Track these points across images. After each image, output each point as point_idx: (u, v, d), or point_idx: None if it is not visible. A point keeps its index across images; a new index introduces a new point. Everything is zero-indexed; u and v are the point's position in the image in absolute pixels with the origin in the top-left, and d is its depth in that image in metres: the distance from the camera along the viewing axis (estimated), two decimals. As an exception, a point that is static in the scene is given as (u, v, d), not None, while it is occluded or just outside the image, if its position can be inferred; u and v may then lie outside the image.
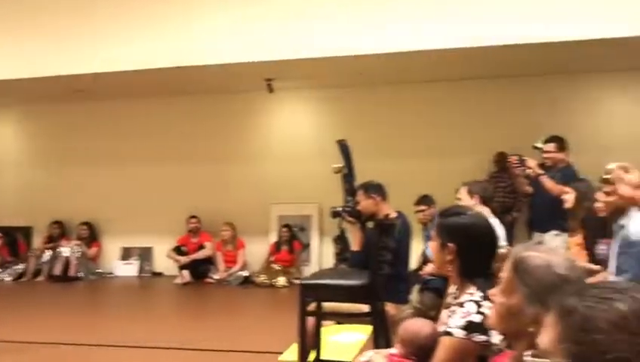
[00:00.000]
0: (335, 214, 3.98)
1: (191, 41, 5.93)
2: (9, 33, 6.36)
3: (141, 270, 8.32)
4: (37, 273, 8.15)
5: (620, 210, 3.56)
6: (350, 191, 3.96)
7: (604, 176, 2.13)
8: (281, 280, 7.24)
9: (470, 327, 1.85)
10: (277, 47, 5.63)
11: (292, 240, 7.61)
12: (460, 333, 1.85)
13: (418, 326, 2.06)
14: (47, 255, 8.14)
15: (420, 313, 4.11)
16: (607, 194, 2.75)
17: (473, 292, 1.96)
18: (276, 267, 7.45)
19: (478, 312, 1.86)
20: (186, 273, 7.69)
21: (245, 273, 7.62)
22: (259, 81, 6.92)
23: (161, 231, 8.11)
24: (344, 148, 3.89)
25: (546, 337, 0.87)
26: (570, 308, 0.85)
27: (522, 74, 6.82)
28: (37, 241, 8.54)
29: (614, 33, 4.98)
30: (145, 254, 8.40)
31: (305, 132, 7.90)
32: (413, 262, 4.29)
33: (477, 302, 1.90)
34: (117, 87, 7.46)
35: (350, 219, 3.92)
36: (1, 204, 8.51)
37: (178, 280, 7.66)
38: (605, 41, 5.10)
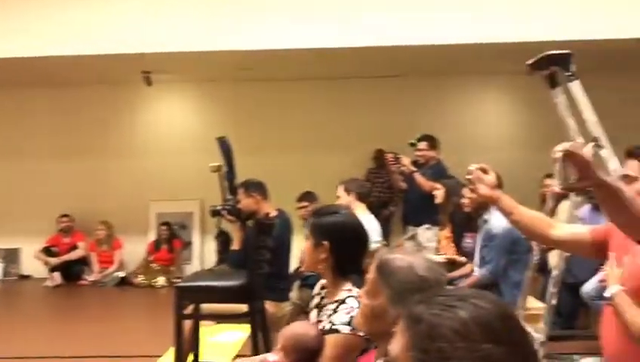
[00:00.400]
0: (214, 213, 3.93)
1: (64, 30, 5.56)
2: None
3: (6, 273, 7.70)
4: None
5: (483, 206, 3.82)
6: (230, 189, 3.92)
7: (466, 177, 2.25)
8: (161, 280, 7.04)
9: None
10: (153, 39, 5.43)
11: (172, 238, 7.39)
12: (346, 329, 1.89)
13: (304, 329, 2.03)
14: None
15: (300, 309, 4.16)
16: (472, 191, 2.91)
17: (351, 289, 2.01)
18: (155, 267, 7.22)
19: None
20: (56, 275, 7.22)
21: (122, 274, 7.31)
22: (136, 74, 6.64)
23: (29, 231, 7.54)
24: (224, 146, 3.83)
25: (395, 344, 0.90)
26: (417, 316, 0.88)
27: (401, 74, 7.09)
28: None
29: (483, 38, 5.31)
30: (11, 256, 7.78)
31: (185, 126, 7.69)
32: (295, 259, 4.32)
33: (357, 298, 1.94)
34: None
35: (230, 217, 3.88)
36: None
37: (48, 283, 7.18)
38: (475, 46, 5.42)
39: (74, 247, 7.45)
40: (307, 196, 5.55)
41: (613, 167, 2.59)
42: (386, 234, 6.51)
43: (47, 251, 7.40)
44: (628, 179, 2.11)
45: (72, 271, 7.33)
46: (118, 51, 5.56)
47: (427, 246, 5.45)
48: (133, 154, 7.67)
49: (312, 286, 4.06)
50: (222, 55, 5.63)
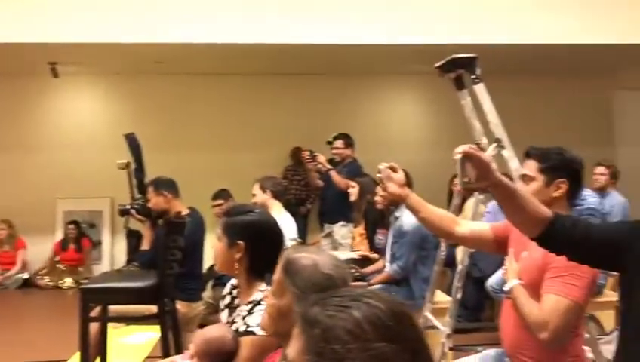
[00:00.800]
0: (123, 212, 3.80)
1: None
2: None
3: None
4: None
5: (394, 204, 3.92)
6: (140, 187, 3.80)
7: (377, 175, 2.29)
8: (68, 282, 6.73)
9: None
10: (59, 29, 5.16)
11: (80, 237, 7.08)
12: (262, 331, 1.86)
13: (218, 333, 1.97)
14: None
15: (214, 309, 4.11)
16: (384, 189, 2.97)
17: (266, 289, 1.98)
18: (62, 267, 6.89)
19: None
20: (-49, 278, 6.75)
21: (25, 275, 6.92)
22: (42, 65, 6.29)
23: None
24: (132, 142, 3.72)
25: (291, 348, 0.89)
26: (312, 319, 0.87)
27: (319, 73, 7.13)
28: None
29: (395, 40, 5.43)
30: None
31: (94, 121, 7.37)
32: (209, 259, 4.26)
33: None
34: None
35: (139, 217, 3.77)
36: None
37: (-59, 287, 6.70)
38: (389, 47, 5.54)
39: (-29, 248, 6.99)
40: (222, 194, 5.49)
41: (514, 166, 2.72)
42: (303, 231, 6.56)
43: (-60, 253, 6.90)
44: (526, 178, 2.22)
45: (-31, 274, 6.88)
46: (22, 40, 5.26)
47: (342, 243, 5.53)
48: (38, 149, 7.26)
49: (225, 285, 4.05)
50: (131, 48, 5.45)
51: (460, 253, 3.24)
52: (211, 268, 4.42)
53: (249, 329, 1.89)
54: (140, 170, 3.74)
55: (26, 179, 7.15)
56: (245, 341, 1.89)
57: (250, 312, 1.95)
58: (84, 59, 6.36)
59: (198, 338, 1.99)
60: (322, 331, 0.85)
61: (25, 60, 6.30)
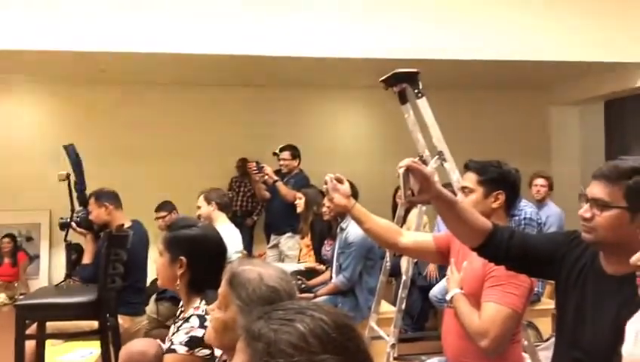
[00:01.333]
0: (63, 225, 3.70)
1: None
2: None
3: None
4: None
5: (340, 215, 3.96)
6: (80, 199, 3.71)
7: (323, 186, 2.32)
8: (2, 298, 6.44)
9: (193, 342, 1.84)
10: (2, 35, 4.97)
11: (16, 251, 6.80)
12: (183, 349, 1.83)
13: (142, 346, 1.95)
14: None
15: (158, 323, 4.03)
16: (330, 201, 3.00)
17: (199, 306, 1.95)
18: (-4, 282, 6.61)
19: (202, 326, 1.86)
20: None
21: (-45, 292, 6.59)
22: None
23: None
24: (72, 154, 3.64)
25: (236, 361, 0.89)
26: (256, 333, 0.88)
27: (265, 84, 7.13)
28: None
29: (340, 53, 5.50)
30: None
31: (34, 130, 7.10)
32: (152, 272, 4.17)
33: (201, 316, 1.90)
34: None
35: (80, 230, 3.67)
36: None
37: None
38: (335, 60, 5.59)
39: None
40: (165, 206, 5.42)
41: (455, 178, 2.80)
42: (249, 243, 6.52)
43: None
44: (466, 190, 2.29)
45: None
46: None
47: (289, 255, 5.52)
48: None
49: (169, 300, 3.98)
50: (73, 56, 5.30)
51: (405, 263, 3.30)
52: (154, 282, 4.33)
53: (172, 346, 1.86)
54: (80, 182, 3.66)
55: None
56: (166, 359, 1.86)
57: (178, 329, 1.92)
58: (25, 67, 6.14)
59: (123, 351, 2.00)
60: (267, 345, 0.86)
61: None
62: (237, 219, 5.72)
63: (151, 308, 3.97)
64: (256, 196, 6.66)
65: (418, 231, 3.17)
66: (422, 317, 4.90)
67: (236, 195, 6.82)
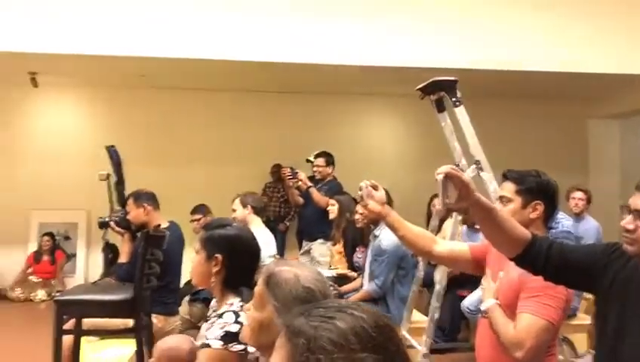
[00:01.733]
0: (102, 224, 3.78)
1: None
2: None
3: None
4: None
5: (374, 222, 3.95)
6: (120, 200, 3.79)
7: (358, 193, 2.32)
8: (40, 294, 6.61)
9: (227, 337, 1.86)
10: (39, 39, 5.13)
11: (54, 249, 6.97)
12: (218, 344, 1.86)
13: (176, 343, 1.99)
14: None
15: (190, 324, 4.08)
16: (364, 207, 3.01)
17: (233, 303, 1.99)
18: (35, 279, 6.77)
19: (236, 322, 1.89)
20: None
21: (-4, 287, 6.79)
22: (22, 74, 6.24)
23: None
24: (114, 155, 3.72)
25: (275, 358, 0.90)
26: (297, 329, 0.89)
27: (301, 91, 7.18)
28: None
29: (379, 62, 5.51)
30: None
31: (74, 132, 7.30)
32: (186, 273, 4.23)
33: (235, 312, 1.93)
34: None
35: (119, 229, 3.75)
36: None
37: None
38: (371, 68, 5.61)
39: (-59, 258, 6.84)
40: (200, 209, 5.48)
41: (493, 188, 2.77)
42: (281, 248, 6.55)
43: None
44: (504, 200, 2.27)
45: (-63, 285, 6.72)
46: (1, 49, 5.21)
47: (320, 261, 5.53)
48: (14, 158, 7.16)
49: (202, 301, 4.02)
50: (113, 60, 5.43)
51: (439, 272, 3.27)
52: (188, 283, 4.39)
53: (206, 341, 1.90)
54: (120, 183, 3.73)
55: (1, 189, 7.04)
56: (202, 354, 1.90)
57: (212, 325, 1.96)
58: (65, 70, 6.32)
59: (158, 347, 2.03)
60: (307, 341, 0.87)
61: (5, 69, 6.24)
62: (270, 224, 5.75)
63: (184, 309, 4.02)
64: (289, 202, 6.70)
65: (453, 241, 3.15)
66: (453, 328, 4.84)
67: (269, 200, 6.88)
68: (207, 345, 1.86)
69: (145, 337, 3.08)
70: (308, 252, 5.76)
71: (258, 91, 7.17)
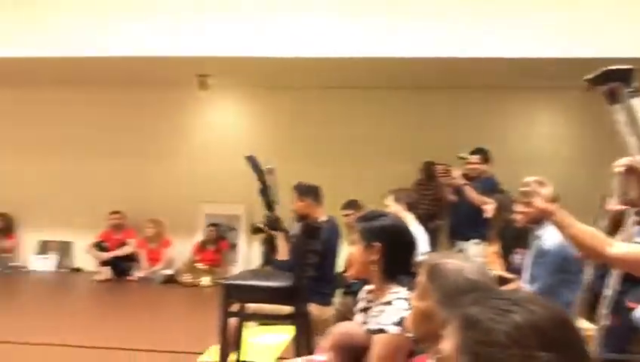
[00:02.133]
0: (255, 230, 4.00)
1: (124, 34, 5.75)
2: None
3: (59, 265, 7.97)
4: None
5: (536, 221, 3.74)
6: (268, 204, 3.93)
7: (522, 189, 2.22)
8: (206, 280, 7.15)
9: (403, 323, 1.90)
10: (210, 43, 5.55)
11: (219, 239, 7.51)
12: (394, 329, 1.90)
13: (351, 328, 2.06)
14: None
15: (342, 316, 4.16)
16: (526, 205, 2.88)
17: (399, 291, 2.03)
18: (201, 266, 7.34)
19: (408, 309, 1.91)
20: (106, 269, 7.44)
21: (169, 271, 7.46)
22: (191, 76, 6.79)
23: (82, 226, 7.80)
24: (254, 163, 3.86)
25: (447, 345, 0.89)
26: (472, 319, 0.87)
27: (454, 86, 7.03)
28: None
29: (536, 53, 5.23)
30: (64, 248, 8.07)
31: (237, 130, 7.83)
32: (341, 266, 4.35)
33: (406, 299, 1.96)
34: (41, 75, 7.13)
35: (272, 232, 3.93)
36: None
37: (98, 277, 7.40)
38: (529, 60, 5.34)
39: (124, 243, 7.65)
40: (351, 204, 5.57)
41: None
42: (433, 247, 6.44)
43: (99, 246, 7.62)
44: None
45: (121, 267, 7.53)
46: (177, 54, 5.71)
47: (474, 262, 5.36)
48: (185, 155, 7.84)
49: (355, 294, 4.09)
50: (276, 61, 5.72)
51: (611, 277, 3.02)
52: (341, 275, 4.49)
53: (381, 327, 1.94)
54: (264, 189, 3.87)
55: (174, 183, 7.74)
56: (378, 339, 1.94)
57: (381, 312, 2.00)
58: (232, 72, 6.76)
59: (334, 332, 2.09)
60: (481, 333, 0.85)
61: (175, 72, 6.80)
62: (420, 222, 5.70)
63: (338, 300, 4.12)
64: (439, 200, 6.57)
65: (627, 241, 2.89)
66: (622, 338, 4.44)
67: (420, 198, 6.79)
68: (383, 331, 1.91)
69: (303, 324, 3.20)
70: (461, 252, 5.62)
71: (410, 88, 7.13)
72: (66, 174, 7.95)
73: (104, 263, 7.49)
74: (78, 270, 7.94)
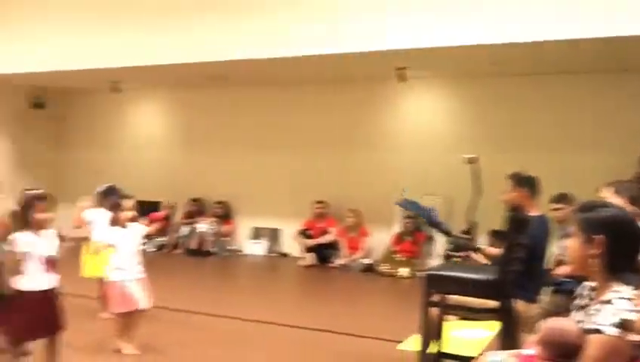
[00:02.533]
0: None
1: (330, 30, 6.00)
2: (175, 24, 6.77)
3: (269, 250, 8.65)
4: (175, 246, 8.75)
5: None
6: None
7: None
8: (404, 271, 7.20)
9: (624, 325, 1.75)
10: (409, 36, 5.57)
11: (415, 231, 7.51)
12: (613, 331, 1.75)
13: (565, 325, 1.93)
14: (186, 230, 8.71)
15: (548, 314, 3.89)
16: None
17: (621, 290, 1.86)
18: (398, 257, 7.42)
19: (632, 310, 1.76)
20: (311, 256, 7.89)
21: (368, 261, 7.66)
22: (390, 70, 6.86)
23: (289, 214, 8.38)
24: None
25: None
26: None
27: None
28: (177, 217, 9.11)
29: None
30: (273, 235, 8.73)
31: (435, 122, 7.77)
32: (549, 261, 4.07)
33: (629, 299, 1.80)
34: (253, 75, 7.77)
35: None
36: (146, 180, 9.15)
37: (302, 262, 7.88)
38: None
39: (326, 231, 8.04)
40: (563, 198, 5.17)
41: None
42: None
43: (304, 233, 8.11)
44: None
45: (323, 254, 7.93)
46: (378, 48, 5.82)
47: None
48: (384, 148, 7.98)
49: (566, 292, 3.79)
50: (469, 50, 5.58)
51: None
52: (548, 271, 4.20)
53: (597, 327, 1.80)
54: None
55: (373, 174, 7.94)
56: (593, 339, 1.80)
57: (598, 311, 1.85)
58: (431, 64, 6.71)
59: (546, 326, 1.99)
60: None
61: (375, 67, 6.92)
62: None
63: (547, 298, 3.87)
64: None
65: None
66: None
67: (640, 193, 6.08)
68: (599, 331, 1.76)
69: (509, 320, 3.06)
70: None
71: (617, 71, 6.47)
72: (276, 167, 8.60)
73: (309, 249, 7.95)
74: (285, 255, 8.54)
